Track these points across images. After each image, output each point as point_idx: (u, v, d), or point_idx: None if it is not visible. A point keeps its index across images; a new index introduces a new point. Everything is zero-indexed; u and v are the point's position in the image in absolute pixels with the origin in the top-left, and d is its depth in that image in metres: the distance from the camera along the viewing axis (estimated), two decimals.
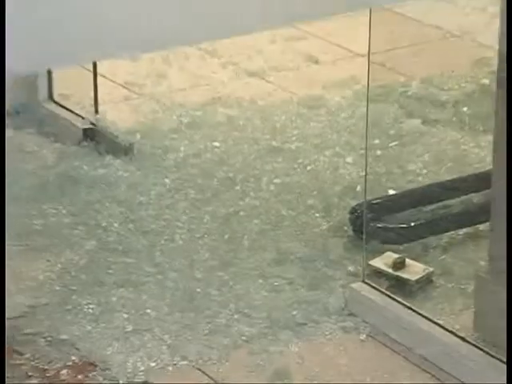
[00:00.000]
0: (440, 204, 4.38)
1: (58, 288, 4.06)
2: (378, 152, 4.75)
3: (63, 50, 2.32)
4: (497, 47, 3.71)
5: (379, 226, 4.28)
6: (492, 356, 3.66)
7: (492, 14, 4.94)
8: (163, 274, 4.17)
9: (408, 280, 4.06)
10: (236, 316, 3.95)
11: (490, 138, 3.99)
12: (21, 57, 2.27)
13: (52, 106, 5.07)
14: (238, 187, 4.63)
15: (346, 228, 4.37)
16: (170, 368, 3.73)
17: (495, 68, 3.82)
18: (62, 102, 5.08)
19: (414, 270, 4.10)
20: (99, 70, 5.03)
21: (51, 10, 2.28)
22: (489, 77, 4.90)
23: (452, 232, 4.35)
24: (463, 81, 5.22)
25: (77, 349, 3.79)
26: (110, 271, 4.16)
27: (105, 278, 4.14)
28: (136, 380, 3.67)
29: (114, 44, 2.40)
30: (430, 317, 3.86)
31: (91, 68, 4.98)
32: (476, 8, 5.55)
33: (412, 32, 5.29)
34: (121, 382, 3.66)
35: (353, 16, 4.06)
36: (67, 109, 5.05)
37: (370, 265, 4.11)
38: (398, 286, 4.04)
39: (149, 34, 2.43)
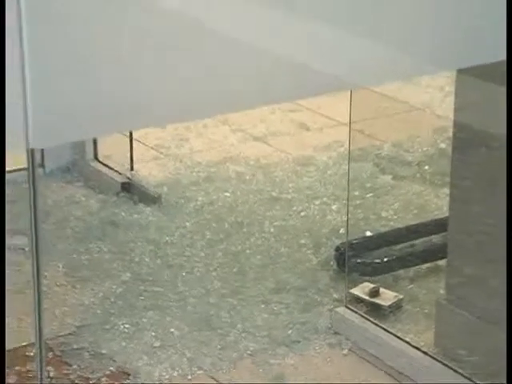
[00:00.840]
0: (407, 244, 4.39)
1: (99, 311, 4.05)
2: (357, 201, 4.74)
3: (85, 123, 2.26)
4: (452, 118, 3.71)
5: (358, 261, 4.27)
6: (448, 367, 3.66)
7: (447, 92, 4.98)
8: (184, 300, 4.15)
9: (382, 305, 4.04)
10: (243, 334, 3.94)
11: (447, 190, 4.01)
12: (44, 132, 2.17)
13: (96, 164, 5.07)
14: (244, 229, 4.62)
15: (331, 263, 4.35)
16: (189, 376, 3.72)
17: (450, 134, 3.82)
18: (105, 161, 5.08)
19: (387, 297, 4.08)
20: (134, 135, 5.05)
21: (74, 86, 2.21)
22: (445, 142, 4.92)
23: (417, 266, 4.33)
24: (425, 145, 5.24)
25: (114, 361, 3.77)
26: (142, 298, 4.14)
27: (137, 303, 4.12)
28: None
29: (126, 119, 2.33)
30: (400, 335, 3.86)
31: (128, 133, 5.01)
32: (435, 87, 5.57)
33: (385, 106, 5.29)
34: None
35: (337, 93, 4.09)
36: (109, 167, 5.05)
37: (351, 293, 4.10)
38: (374, 310, 4.03)
39: (166, 110, 2.37)
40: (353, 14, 2.50)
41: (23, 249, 4.32)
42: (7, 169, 4.47)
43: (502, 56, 2.71)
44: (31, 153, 2.34)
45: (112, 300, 4.13)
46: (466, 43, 2.70)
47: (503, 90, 3.22)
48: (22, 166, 3.70)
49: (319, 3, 2.44)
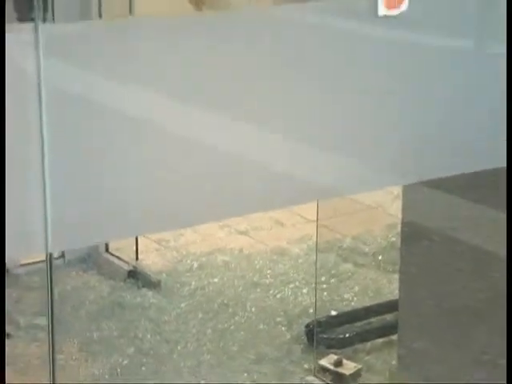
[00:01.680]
0: (365, 321, 4.36)
1: (107, 381, 3.97)
2: (324, 286, 4.70)
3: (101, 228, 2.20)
4: (400, 216, 3.71)
5: (325, 336, 4.21)
6: None
7: (396, 195, 4.95)
8: (179, 370, 4.06)
9: (344, 374, 3.99)
10: None
11: (397, 276, 3.90)
12: (62, 238, 2.10)
13: (107, 256, 5.04)
14: (230, 310, 4.57)
15: (302, 338, 4.28)
16: None
17: (399, 230, 3.81)
18: (115, 253, 5.03)
19: (349, 367, 4.02)
20: None
21: (89, 198, 2.15)
22: (395, 236, 4.89)
23: (373, 340, 4.25)
24: (379, 238, 5.21)
25: None
26: (143, 368, 4.07)
27: (140, 372, 4.03)
28: None
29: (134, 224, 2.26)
30: None
31: None
32: (387, 191, 5.54)
33: (346, 205, 5.26)
34: None
35: None
36: (118, 257, 5.00)
37: (319, 363, 4.02)
38: (338, 379, 3.99)
39: (165, 216, 2.30)
40: (326, 130, 2.42)
41: (44, 328, 4.22)
42: (32, 260, 4.47)
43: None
44: (50, 256, 2.28)
45: (118, 370, 4.06)
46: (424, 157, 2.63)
47: (441, 192, 3.21)
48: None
49: (296, 123, 2.37)
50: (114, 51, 2.08)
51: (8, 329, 4.15)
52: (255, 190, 2.34)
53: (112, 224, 2.17)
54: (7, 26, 1.93)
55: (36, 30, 1.94)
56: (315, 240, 4.64)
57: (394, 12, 2.40)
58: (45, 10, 1.93)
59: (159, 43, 2.13)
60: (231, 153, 2.31)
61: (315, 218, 4.41)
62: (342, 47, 2.39)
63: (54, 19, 2.46)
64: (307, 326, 4.28)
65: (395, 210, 4.79)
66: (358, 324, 4.33)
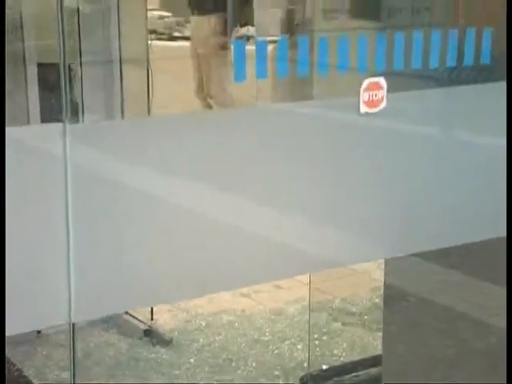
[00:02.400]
0: (353, 374, 4.33)
1: None
2: (316, 342, 4.71)
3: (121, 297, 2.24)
4: (382, 280, 3.71)
5: None
6: None
7: (379, 261, 4.95)
8: None
9: None
10: None
11: (380, 334, 3.92)
12: (83, 308, 2.13)
13: (126, 316, 5.04)
14: (233, 364, 4.58)
15: None
16: None
17: (382, 292, 3.81)
18: (132, 313, 5.06)
19: None
20: None
21: (110, 272, 2.19)
22: (379, 297, 4.90)
23: None
24: (364, 300, 5.23)
25: None
26: None
27: None
28: None
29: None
30: None
31: None
32: None
33: (336, 270, 5.26)
34: None
35: None
36: (135, 317, 5.01)
37: None
38: None
39: (185, 288, 2.33)
40: (324, 209, 2.47)
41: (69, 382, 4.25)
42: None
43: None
44: (72, 325, 2.30)
45: None
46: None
47: (418, 259, 3.22)
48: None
49: (296, 202, 2.43)
50: (133, 145, 2.15)
51: (36, 382, 4.19)
52: (262, 263, 2.40)
53: (132, 295, 2.19)
54: (38, 126, 2.01)
55: (64, 130, 2.01)
56: (308, 301, 4.63)
57: (374, 110, 2.50)
58: (72, 112, 2.02)
59: (172, 138, 2.21)
60: (239, 230, 2.37)
61: (308, 282, 4.42)
62: (332, 138, 2.48)
63: (83, 120, 2.53)
64: (301, 378, 4.29)
65: (378, 275, 4.82)
66: (347, 377, 4.33)
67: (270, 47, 2.30)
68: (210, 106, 4.90)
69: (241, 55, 2.23)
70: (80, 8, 3.75)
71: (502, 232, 2.66)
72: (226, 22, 4.69)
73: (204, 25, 4.82)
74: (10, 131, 1.90)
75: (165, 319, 5.12)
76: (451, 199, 2.65)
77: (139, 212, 2.16)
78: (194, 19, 4.90)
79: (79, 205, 2.02)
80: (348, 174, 2.48)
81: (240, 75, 2.27)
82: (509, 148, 2.63)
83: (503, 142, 2.65)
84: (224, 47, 4.78)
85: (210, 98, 4.89)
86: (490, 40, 2.58)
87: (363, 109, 2.46)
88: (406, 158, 2.60)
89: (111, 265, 2.14)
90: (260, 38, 2.33)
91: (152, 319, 5.02)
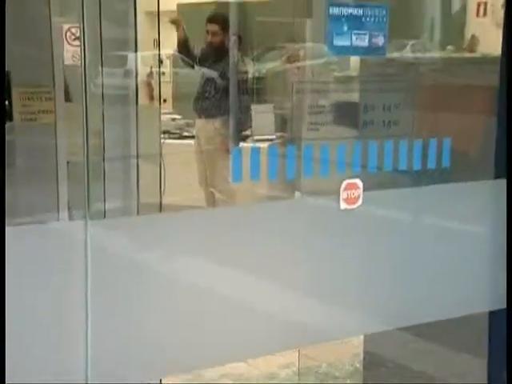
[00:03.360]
0: None
1: None
2: None
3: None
4: (362, 347, 3.69)
5: None
6: None
7: None
8: None
9: None
10: None
11: None
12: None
13: None
14: None
15: None
16: None
17: (362, 358, 3.79)
18: None
19: None
20: None
21: (125, 346, 2.21)
22: (359, 363, 4.88)
23: None
24: (347, 365, 5.20)
25: None
26: None
27: None
28: None
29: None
30: None
31: None
32: None
33: None
34: None
35: None
36: None
37: None
38: None
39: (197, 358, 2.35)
40: (325, 289, 2.52)
41: None
42: None
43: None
44: None
45: None
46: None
47: (395, 329, 3.22)
48: None
49: (301, 283, 2.47)
50: (146, 237, 2.22)
51: None
52: (268, 337, 2.44)
53: (144, 367, 2.24)
54: (63, 223, 2.09)
55: (86, 227, 2.08)
56: (298, 366, 4.57)
57: (353, 206, 2.57)
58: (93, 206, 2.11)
59: (180, 231, 2.29)
60: (246, 307, 2.41)
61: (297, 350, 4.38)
62: (321, 229, 2.55)
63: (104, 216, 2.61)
64: None
65: (359, 342, 4.83)
66: None
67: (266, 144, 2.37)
68: (213, 195, 4.99)
69: (238, 160, 2.33)
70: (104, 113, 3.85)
71: (478, 309, 2.71)
72: (227, 124, 4.84)
73: (208, 126, 4.97)
74: (39, 228, 1.97)
75: (172, 380, 5.08)
76: (423, 280, 2.69)
77: (152, 292, 2.23)
78: (201, 121, 5.06)
79: (98, 283, 2.09)
80: (333, 259, 2.54)
81: (237, 177, 2.37)
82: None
83: (466, 229, 2.72)
84: (225, 145, 4.91)
85: (213, 188, 4.99)
86: (448, 147, 2.67)
87: (343, 205, 2.54)
88: (380, 244, 2.66)
89: (126, 338, 2.20)
90: (254, 146, 2.42)
91: (161, 381, 4.97)
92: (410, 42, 4.45)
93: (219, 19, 5.20)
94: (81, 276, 2.06)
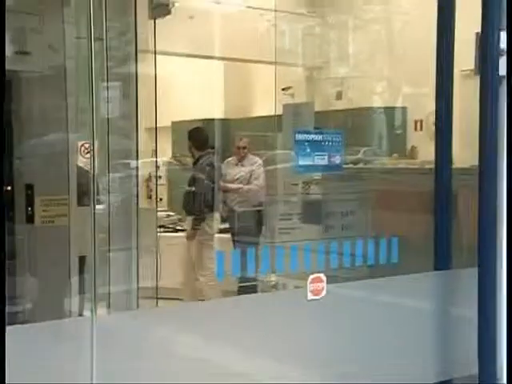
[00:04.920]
0: None
1: None
2: None
3: None
4: None
5: None
6: None
7: None
8: None
9: None
10: None
11: None
12: None
13: None
14: None
15: None
16: None
17: None
18: None
19: None
20: None
21: None
22: None
23: None
24: None
25: None
26: None
27: None
28: None
29: None
30: None
31: None
32: None
33: None
34: None
35: None
36: None
37: None
38: None
39: None
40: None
41: None
42: None
43: None
44: None
45: None
46: None
47: None
48: None
49: None
50: (145, 328, 2.17)
51: None
52: None
53: None
54: (71, 320, 2.04)
55: (92, 323, 2.04)
56: None
57: (318, 297, 2.56)
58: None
59: (173, 324, 2.25)
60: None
61: None
62: (290, 316, 2.52)
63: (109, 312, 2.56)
64: None
65: None
66: None
67: None
68: (197, 280, 4.97)
69: (221, 264, 2.33)
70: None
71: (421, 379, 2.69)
72: (212, 221, 4.87)
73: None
74: (49, 324, 1.94)
75: None
76: (375, 353, 2.68)
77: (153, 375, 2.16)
78: (189, 218, 5.08)
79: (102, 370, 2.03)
80: (300, 340, 2.53)
81: (220, 275, 2.38)
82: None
83: (410, 312, 2.71)
84: (210, 241, 4.95)
85: (200, 274, 4.97)
86: (396, 246, 2.68)
87: (310, 296, 2.52)
88: (341, 325, 2.66)
89: None
90: (236, 250, 2.42)
91: None
92: (363, 149, 4.54)
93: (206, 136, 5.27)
94: (87, 361, 2.02)
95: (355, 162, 4.24)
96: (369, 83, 5.09)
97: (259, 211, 4.49)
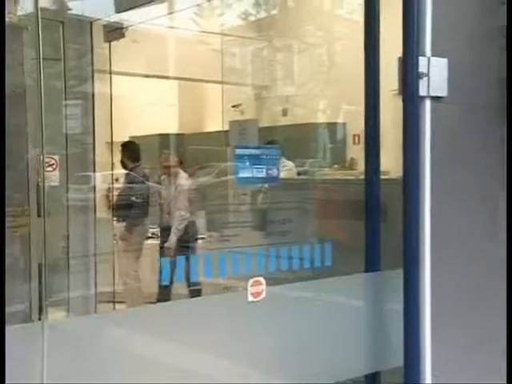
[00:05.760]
0: None
1: None
2: None
3: None
4: None
5: None
6: None
7: None
8: None
9: None
10: None
11: None
12: None
13: None
14: None
15: None
16: None
17: None
18: None
19: None
20: None
21: None
22: None
23: None
24: None
25: None
26: None
27: None
28: None
29: None
30: None
31: None
32: None
33: None
34: None
35: None
36: None
37: None
38: None
39: None
40: None
41: None
42: None
43: None
44: None
45: None
46: None
47: None
48: None
49: None
50: (102, 332, 2.12)
51: None
52: None
53: None
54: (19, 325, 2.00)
55: (43, 327, 1.98)
56: None
57: (258, 299, 2.53)
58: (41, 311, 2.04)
59: (127, 326, 2.20)
60: None
61: None
62: (231, 317, 2.49)
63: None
64: None
65: None
66: None
67: None
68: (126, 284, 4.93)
69: (165, 274, 2.31)
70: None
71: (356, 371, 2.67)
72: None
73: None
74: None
75: None
76: (316, 350, 2.67)
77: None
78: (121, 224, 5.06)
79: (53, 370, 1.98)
80: (242, 340, 2.50)
81: (165, 279, 2.36)
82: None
83: (344, 312, 2.71)
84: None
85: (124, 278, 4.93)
86: (330, 250, 2.68)
87: (250, 298, 2.50)
88: (279, 326, 2.65)
89: None
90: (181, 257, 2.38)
91: None
92: (310, 160, 4.58)
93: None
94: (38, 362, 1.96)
95: (302, 173, 4.26)
96: (312, 101, 5.13)
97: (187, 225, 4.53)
